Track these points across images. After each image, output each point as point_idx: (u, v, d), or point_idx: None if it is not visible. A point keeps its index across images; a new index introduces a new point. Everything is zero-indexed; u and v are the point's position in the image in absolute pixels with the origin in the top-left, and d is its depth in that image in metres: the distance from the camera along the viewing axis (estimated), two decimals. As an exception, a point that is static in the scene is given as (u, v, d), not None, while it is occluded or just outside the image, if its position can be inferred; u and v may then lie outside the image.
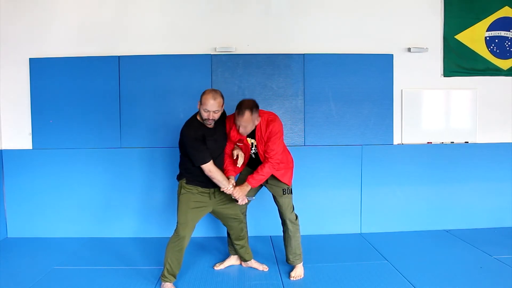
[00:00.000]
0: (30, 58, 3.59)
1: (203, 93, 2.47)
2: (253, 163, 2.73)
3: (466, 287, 2.57)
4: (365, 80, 3.68)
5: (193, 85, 3.59)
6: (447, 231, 3.75)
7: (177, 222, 2.57)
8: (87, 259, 3.10)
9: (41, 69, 3.58)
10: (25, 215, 3.63)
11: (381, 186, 3.72)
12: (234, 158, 2.72)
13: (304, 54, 3.64)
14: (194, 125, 2.53)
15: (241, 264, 2.97)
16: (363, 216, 3.74)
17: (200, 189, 2.59)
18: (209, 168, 2.48)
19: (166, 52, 3.60)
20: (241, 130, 2.52)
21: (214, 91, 2.48)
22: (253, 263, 2.92)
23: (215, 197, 2.65)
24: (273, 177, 2.72)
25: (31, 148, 3.63)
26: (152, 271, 2.83)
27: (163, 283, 2.57)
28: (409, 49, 3.71)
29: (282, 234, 2.86)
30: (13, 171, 3.62)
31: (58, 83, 3.58)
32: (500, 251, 3.17)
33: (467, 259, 3.05)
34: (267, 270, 2.87)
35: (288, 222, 2.75)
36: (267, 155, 2.60)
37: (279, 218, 2.83)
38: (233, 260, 2.98)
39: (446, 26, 3.74)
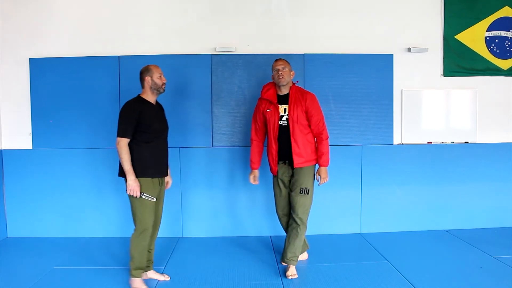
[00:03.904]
0: (30, 58, 3.59)
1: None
2: (283, 134, 2.74)
3: (466, 287, 2.57)
4: (365, 80, 3.68)
5: (193, 85, 3.60)
6: (447, 231, 3.75)
7: (134, 220, 2.51)
8: (87, 259, 3.10)
9: (41, 69, 3.58)
10: (25, 215, 3.63)
11: (381, 186, 3.72)
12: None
13: (304, 54, 3.63)
14: (137, 99, 2.57)
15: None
16: (363, 216, 3.74)
17: (150, 179, 2.51)
18: (122, 144, 2.44)
19: (166, 52, 3.60)
20: (280, 73, 2.68)
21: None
22: (152, 274, 2.73)
23: (161, 184, 2.64)
24: (298, 171, 2.75)
25: (31, 148, 3.63)
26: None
27: (132, 278, 2.54)
28: (409, 49, 3.71)
29: (282, 234, 2.85)
30: (13, 171, 3.62)
31: (58, 83, 3.58)
32: (500, 251, 3.17)
33: (467, 259, 3.05)
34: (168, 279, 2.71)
35: (298, 220, 2.72)
36: (319, 129, 2.76)
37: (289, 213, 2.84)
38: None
39: (446, 26, 3.74)
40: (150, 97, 2.60)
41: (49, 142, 3.61)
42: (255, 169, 2.97)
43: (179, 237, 3.65)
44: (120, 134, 2.46)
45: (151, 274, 2.72)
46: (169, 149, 3.56)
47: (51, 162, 3.60)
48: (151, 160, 2.53)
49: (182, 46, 3.61)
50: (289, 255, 2.75)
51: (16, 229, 3.65)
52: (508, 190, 3.82)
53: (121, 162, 2.47)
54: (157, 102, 2.70)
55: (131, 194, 2.45)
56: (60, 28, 3.60)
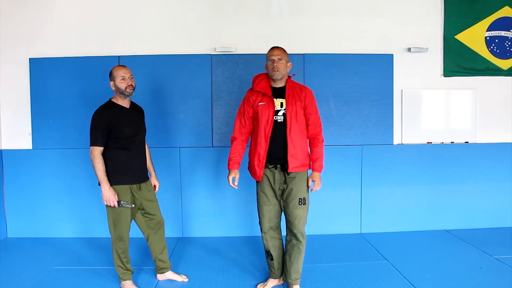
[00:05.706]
0: (30, 58, 3.58)
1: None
2: (277, 132, 2.37)
3: (466, 287, 2.58)
4: (365, 80, 3.68)
5: (193, 85, 3.60)
6: (447, 231, 3.75)
7: (110, 228, 2.48)
8: (87, 259, 3.11)
9: (41, 69, 3.57)
10: (25, 215, 3.63)
11: (381, 186, 3.72)
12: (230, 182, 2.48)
13: (304, 54, 3.63)
14: (107, 104, 2.48)
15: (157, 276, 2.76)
16: (363, 216, 3.74)
17: (125, 186, 2.44)
18: (94, 153, 2.37)
19: (166, 52, 3.60)
20: (275, 64, 2.35)
21: None
22: (171, 275, 2.74)
23: (140, 189, 2.54)
24: (291, 179, 2.42)
25: (31, 148, 3.63)
26: (153, 271, 2.83)
27: (122, 282, 2.56)
28: (409, 49, 3.71)
29: (283, 233, 2.82)
30: (13, 171, 3.62)
31: (58, 83, 3.58)
32: (500, 251, 3.17)
33: (467, 259, 3.06)
34: (186, 281, 2.71)
35: (299, 235, 2.41)
36: (316, 129, 2.47)
37: (286, 229, 2.51)
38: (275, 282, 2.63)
39: (446, 26, 3.74)
40: (121, 101, 2.49)
41: (49, 142, 3.61)
42: (235, 168, 2.49)
43: (179, 237, 3.65)
44: (92, 143, 2.40)
45: (169, 275, 2.73)
46: (169, 149, 3.61)
47: (51, 162, 3.60)
48: (126, 167, 2.45)
49: (182, 46, 3.61)
50: (293, 276, 2.47)
51: (16, 229, 3.65)
52: (508, 190, 3.82)
53: (94, 171, 2.40)
54: (133, 104, 2.60)
55: (108, 204, 2.39)
56: (60, 28, 3.60)
